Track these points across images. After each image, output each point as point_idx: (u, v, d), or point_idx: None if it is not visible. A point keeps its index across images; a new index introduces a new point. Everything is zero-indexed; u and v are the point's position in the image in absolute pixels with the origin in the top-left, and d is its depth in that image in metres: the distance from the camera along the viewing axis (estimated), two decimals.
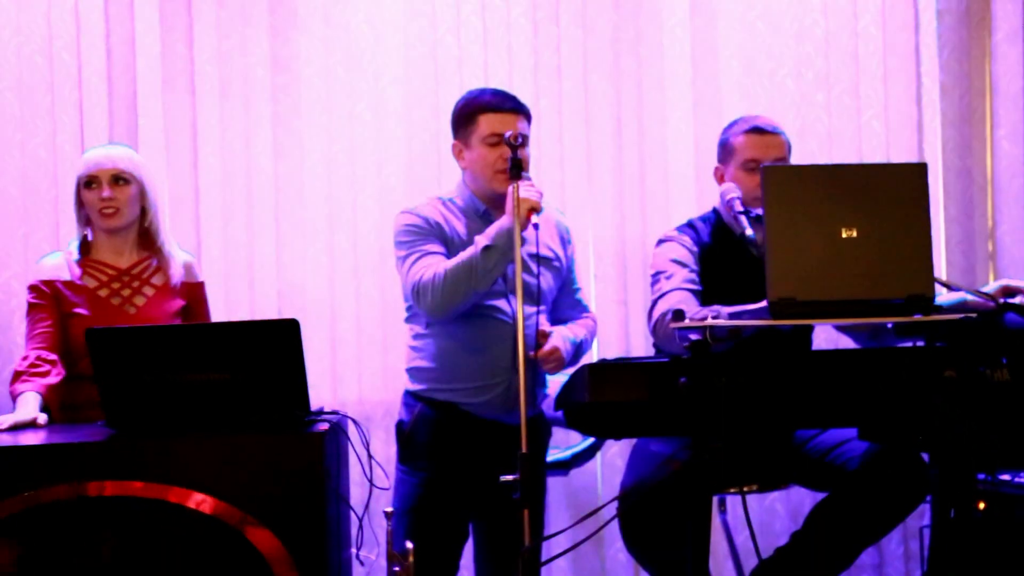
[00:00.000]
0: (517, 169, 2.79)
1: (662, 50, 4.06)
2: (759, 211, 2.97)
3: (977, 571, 2.67)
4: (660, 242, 3.21)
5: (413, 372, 3.17)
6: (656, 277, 3.14)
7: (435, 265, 3.00)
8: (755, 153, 3.10)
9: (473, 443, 3.05)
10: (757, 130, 3.12)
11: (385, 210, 3.95)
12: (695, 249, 3.13)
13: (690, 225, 3.23)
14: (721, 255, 3.15)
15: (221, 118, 3.92)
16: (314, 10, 3.97)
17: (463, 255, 2.97)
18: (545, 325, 3.11)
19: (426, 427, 3.10)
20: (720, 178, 3.20)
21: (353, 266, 3.97)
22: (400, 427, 3.17)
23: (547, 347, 2.99)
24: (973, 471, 2.75)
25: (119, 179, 3.03)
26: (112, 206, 3.01)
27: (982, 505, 2.88)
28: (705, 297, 3.04)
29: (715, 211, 3.22)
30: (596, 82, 4.03)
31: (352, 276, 3.96)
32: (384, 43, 3.99)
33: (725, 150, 3.18)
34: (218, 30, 3.92)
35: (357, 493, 3.19)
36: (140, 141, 3.83)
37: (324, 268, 3.95)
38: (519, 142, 2.81)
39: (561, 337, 3.05)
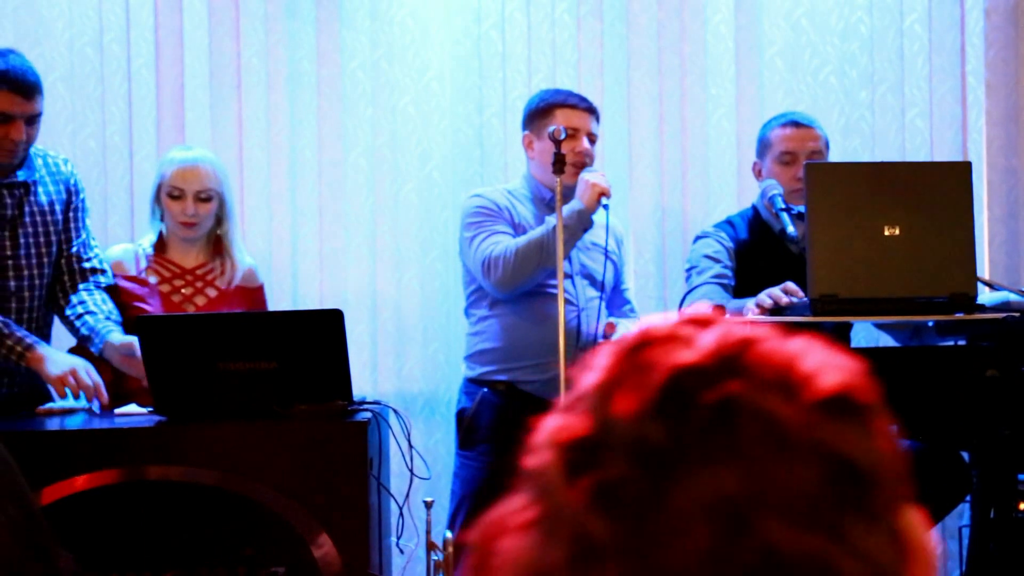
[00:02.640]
0: (560, 164, 2.86)
1: (705, 46, 4.06)
2: (801, 208, 2.98)
3: (1017, 572, 2.66)
4: (696, 239, 3.24)
5: (474, 357, 3.22)
6: (688, 272, 3.18)
7: (505, 241, 3.09)
8: (791, 146, 3.12)
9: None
10: (793, 123, 3.16)
11: (427, 203, 3.98)
12: (730, 245, 3.14)
13: (728, 222, 3.24)
14: (759, 251, 3.16)
15: (267, 110, 3.96)
16: (360, 4, 4.00)
17: (535, 232, 3.06)
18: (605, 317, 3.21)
19: (490, 411, 3.15)
20: (758, 173, 3.22)
21: (395, 258, 4.00)
22: (461, 415, 3.22)
23: (616, 336, 3.07)
24: (1014, 471, 2.75)
25: (204, 196, 3.06)
26: (193, 221, 3.06)
27: (1023, 506, 2.88)
28: (742, 293, 3.05)
29: (754, 207, 3.23)
30: (639, 78, 4.04)
31: (394, 268, 4.00)
32: (428, 38, 4.02)
33: (762, 144, 3.21)
34: (265, 23, 3.97)
35: (397, 483, 3.23)
36: (186, 133, 3.89)
37: (366, 260, 3.98)
38: (563, 137, 2.88)
39: (627, 327, 3.15)
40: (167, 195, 3.07)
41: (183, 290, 3.08)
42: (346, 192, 3.98)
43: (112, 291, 3.06)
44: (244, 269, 3.18)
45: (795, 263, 3.14)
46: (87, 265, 3.03)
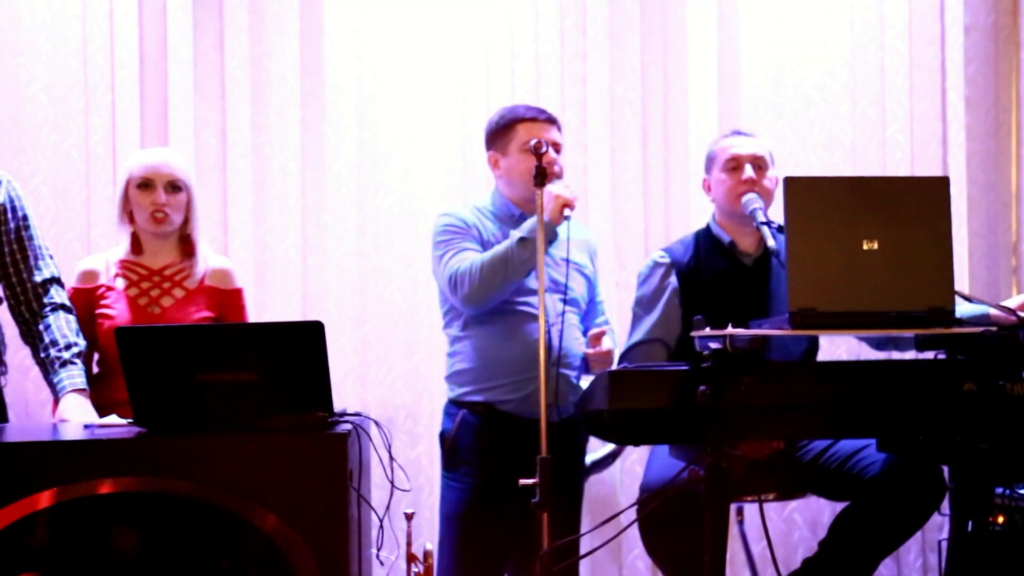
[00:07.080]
0: (541, 177, 2.86)
1: (688, 60, 4.09)
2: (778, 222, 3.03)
3: None
4: (647, 267, 3.27)
5: (452, 377, 3.23)
6: (632, 312, 3.23)
7: (472, 257, 3.11)
8: (735, 152, 3.22)
9: (517, 445, 3.05)
10: (736, 133, 3.29)
11: (410, 216, 3.99)
12: (672, 275, 3.19)
13: (680, 241, 3.30)
14: (705, 264, 3.21)
15: (251, 122, 3.96)
16: (344, 18, 4.01)
17: (499, 247, 3.09)
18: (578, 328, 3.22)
19: (469, 433, 3.15)
20: (708, 189, 3.30)
21: (378, 270, 4.00)
22: (443, 436, 3.23)
23: (604, 347, 3.11)
24: (991, 485, 2.76)
25: (174, 186, 3.08)
26: (164, 211, 3.07)
27: (1000, 519, 2.89)
28: (693, 307, 3.06)
29: (708, 225, 3.29)
30: (622, 92, 4.06)
31: (377, 280, 4.00)
32: (412, 51, 4.03)
33: (709, 160, 3.31)
34: (249, 35, 3.97)
35: (378, 494, 3.22)
36: (170, 144, 3.88)
37: (349, 272, 3.98)
38: (544, 150, 2.89)
39: (612, 340, 3.19)
40: (136, 188, 3.08)
41: (150, 292, 3.08)
42: (330, 204, 3.99)
43: (77, 294, 3.09)
44: (212, 267, 3.17)
45: (745, 274, 3.18)
46: (39, 279, 3.00)
